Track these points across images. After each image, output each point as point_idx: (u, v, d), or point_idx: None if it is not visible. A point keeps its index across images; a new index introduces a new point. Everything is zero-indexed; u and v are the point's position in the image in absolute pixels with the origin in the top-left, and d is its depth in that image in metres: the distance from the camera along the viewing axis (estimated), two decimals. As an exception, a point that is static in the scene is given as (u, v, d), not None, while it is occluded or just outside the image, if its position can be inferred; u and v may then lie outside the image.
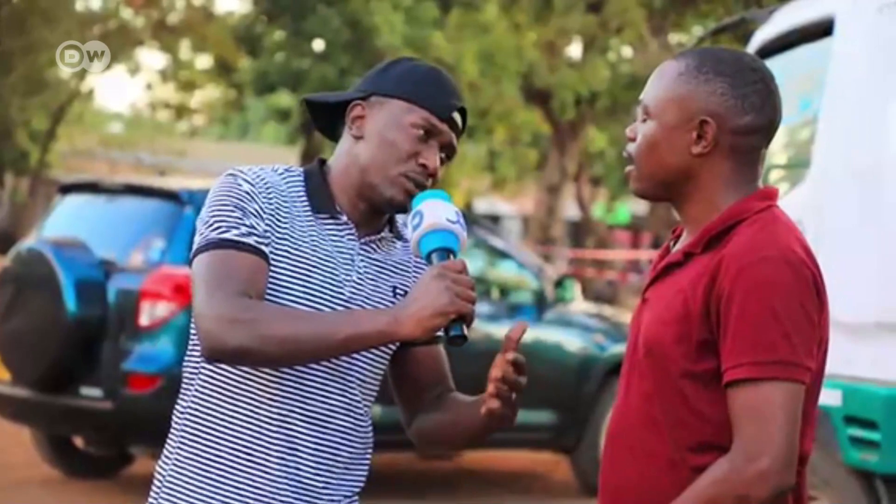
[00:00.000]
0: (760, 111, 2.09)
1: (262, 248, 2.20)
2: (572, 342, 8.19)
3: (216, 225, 2.20)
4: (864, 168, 4.81)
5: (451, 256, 2.17)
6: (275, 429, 2.22)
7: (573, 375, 8.05)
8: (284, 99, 25.40)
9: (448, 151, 2.31)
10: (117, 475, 7.92)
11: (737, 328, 1.97)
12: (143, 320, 6.70)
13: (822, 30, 5.20)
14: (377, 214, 2.32)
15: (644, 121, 2.14)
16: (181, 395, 2.32)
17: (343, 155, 2.32)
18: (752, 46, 5.63)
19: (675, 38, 19.81)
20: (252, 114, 40.86)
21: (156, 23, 25.41)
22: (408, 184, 2.26)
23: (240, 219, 2.19)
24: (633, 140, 2.15)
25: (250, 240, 2.19)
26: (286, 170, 2.32)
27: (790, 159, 5.39)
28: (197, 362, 2.29)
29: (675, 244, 2.19)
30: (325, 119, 2.39)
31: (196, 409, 2.26)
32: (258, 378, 2.22)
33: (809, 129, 5.21)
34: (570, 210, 25.17)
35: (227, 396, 2.24)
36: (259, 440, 2.22)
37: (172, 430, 2.31)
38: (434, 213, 2.18)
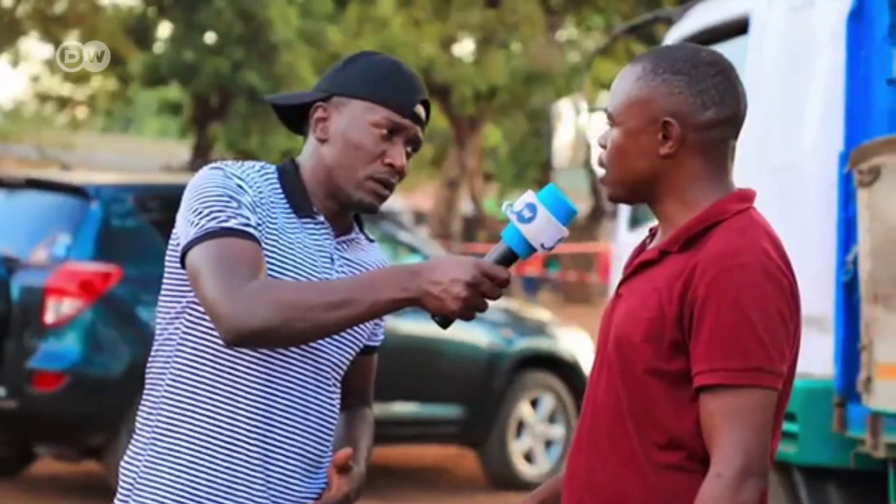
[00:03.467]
0: (721, 104, 2.10)
1: (258, 240, 2.18)
2: (480, 336, 8.20)
3: (214, 215, 2.17)
4: (780, 165, 4.88)
5: (512, 260, 2.12)
6: (252, 419, 2.20)
7: (481, 370, 8.07)
8: (174, 92, 25.03)
9: (414, 144, 2.32)
10: (19, 475, 7.75)
11: (712, 334, 1.98)
12: (49, 317, 6.55)
13: (737, 28, 5.27)
14: (345, 214, 2.33)
15: (611, 127, 2.16)
16: (147, 395, 2.28)
17: (310, 157, 2.32)
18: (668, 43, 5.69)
19: (564, 34, 19.95)
20: (136, 107, 40.17)
21: (41, 13, 24.79)
22: (376, 186, 2.27)
23: (237, 209, 2.18)
24: (604, 147, 2.17)
25: (250, 230, 2.17)
26: (262, 167, 2.31)
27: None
28: (165, 360, 2.25)
29: (651, 242, 2.20)
30: (291, 115, 2.37)
31: (169, 404, 2.23)
32: (236, 368, 2.20)
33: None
34: (463, 205, 25.23)
35: (203, 388, 2.21)
36: (237, 430, 2.19)
37: (140, 430, 2.27)
38: (544, 231, 2.11)
